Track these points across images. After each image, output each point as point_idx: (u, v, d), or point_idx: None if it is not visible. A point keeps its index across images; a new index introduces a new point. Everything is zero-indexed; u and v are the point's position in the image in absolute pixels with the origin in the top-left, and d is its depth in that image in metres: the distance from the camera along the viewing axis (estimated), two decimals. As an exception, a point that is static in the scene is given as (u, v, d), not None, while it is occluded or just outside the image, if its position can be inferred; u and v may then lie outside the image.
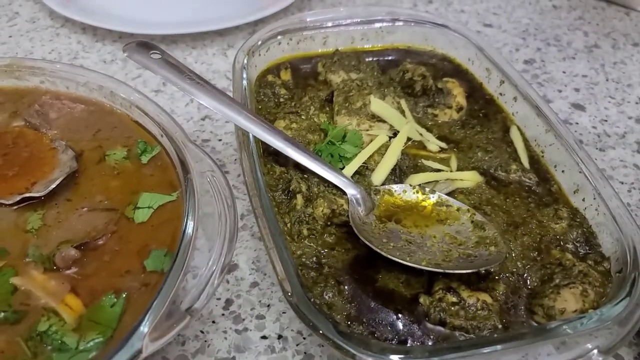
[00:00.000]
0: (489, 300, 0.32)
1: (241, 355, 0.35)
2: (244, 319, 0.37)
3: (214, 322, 0.37)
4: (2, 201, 0.36)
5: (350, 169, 0.38)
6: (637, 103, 0.56)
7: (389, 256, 0.33)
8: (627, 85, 0.59)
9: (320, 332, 0.28)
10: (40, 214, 0.36)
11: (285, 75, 0.47)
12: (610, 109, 0.56)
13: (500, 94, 0.46)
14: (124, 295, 0.32)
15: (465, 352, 0.28)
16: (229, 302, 0.38)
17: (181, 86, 0.39)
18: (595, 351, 0.28)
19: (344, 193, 0.36)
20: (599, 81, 0.59)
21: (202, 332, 0.37)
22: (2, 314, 0.31)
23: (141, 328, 0.28)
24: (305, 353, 0.35)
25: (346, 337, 0.27)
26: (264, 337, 0.36)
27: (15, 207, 0.36)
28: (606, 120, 0.54)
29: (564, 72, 0.60)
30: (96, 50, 0.58)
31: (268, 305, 0.38)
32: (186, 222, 0.34)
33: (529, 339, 0.28)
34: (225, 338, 0.36)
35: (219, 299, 0.38)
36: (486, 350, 0.28)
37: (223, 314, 0.37)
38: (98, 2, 0.64)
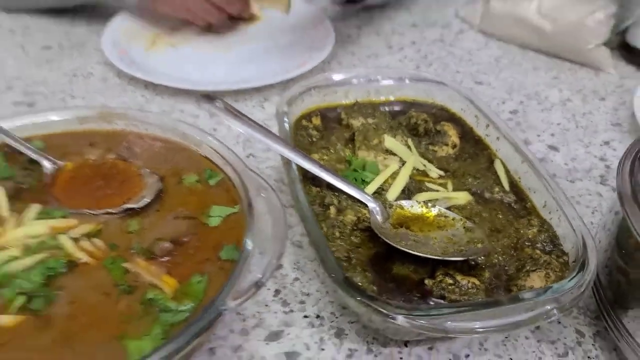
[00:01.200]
0: (477, 282, 0.43)
1: (289, 329, 0.46)
2: (289, 303, 0.48)
3: (266, 305, 0.48)
4: (110, 210, 0.48)
5: (370, 189, 0.50)
6: (601, 145, 0.68)
7: (402, 248, 0.44)
8: (594, 132, 0.71)
9: (361, 296, 0.38)
10: (138, 220, 0.47)
11: (316, 121, 0.59)
12: (579, 149, 0.67)
13: (486, 135, 0.58)
14: (206, 276, 0.43)
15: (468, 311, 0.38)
16: (277, 291, 0.49)
17: (243, 128, 0.51)
18: (555, 310, 0.39)
19: (366, 206, 0.48)
20: (571, 128, 0.71)
21: (258, 312, 0.47)
22: (121, 287, 0.42)
23: (222, 295, 0.39)
24: (337, 328, 0.46)
25: (377, 300, 0.38)
26: (305, 317, 0.47)
27: (118, 216, 0.48)
28: (575, 159, 0.66)
29: (542, 121, 0.72)
30: (156, 103, 0.71)
31: (307, 294, 0.49)
32: (247, 227, 0.45)
33: (507, 304, 0.39)
34: (276, 317, 0.47)
35: (269, 289, 0.49)
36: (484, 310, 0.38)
37: (273, 300, 0.48)
38: (157, 64, 0.78)
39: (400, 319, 0.37)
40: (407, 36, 0.89)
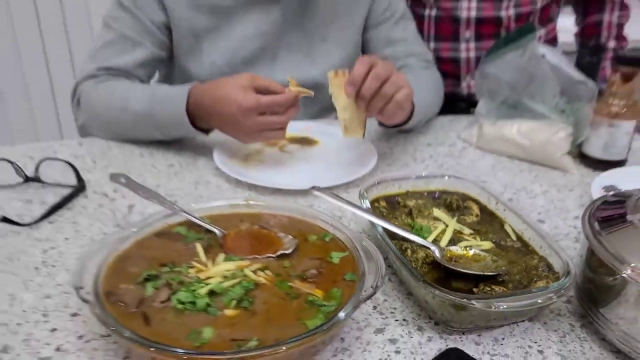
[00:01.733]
0: (505, 289, 0.68)
1: (387, 327, 0.68)
2: (384, 313, 0.71)
3: (369, 314, 0.71)
4: (270, 255, 0.73)
5: (430, 239, 0.77)
6: (573, 219, 0.96)
7: (458, 269, 0.70)
8: (567, 211, 0.99)
9: (444, 291, 0.63)
10: (288, 261, 0.72)
11: (382, 203, 0.87)
12: (559, 222, 0.95)
13: (496, 209, 0.85)
14: (340, 289, 0.67)
15: (506, 297, 0.64)
16: (374, 307, 0.72)
17: (345, 207, 0.79)
18: (554, 297, 0.64)
19: (429, 248, 0.75)
20: (551, 209, 1.00)
21: (365, 318, 0.70)
22: (290, 295, 0.66)
23: (357, 292, 0.64)
24: (418, 325, 0.70)
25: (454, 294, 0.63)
26: (396, 320, 0.70)
27: (274, 259, 0.73)
28: (557, 227, 0.94)
29: (530, 205, 1.01)
30: (262, 199, 1.00)
31: (395, 308, 0.72)
32: (359, 262, 0.71)
33: (527, 293, 0.65)
34: (377, 320, 0.69)
35: (368, 306, 0.73)
36: (516, 296, 0.64)
37: (373, 312, 0.71)
38: (254, 173, 1.07)
39: (475, 302, 0.62)
40: (426, 152, 1.20)
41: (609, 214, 0.72)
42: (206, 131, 1.12)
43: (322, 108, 1.33)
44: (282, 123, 1.04)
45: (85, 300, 0.61)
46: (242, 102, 1.00)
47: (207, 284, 0.66)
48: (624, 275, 0.64)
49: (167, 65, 1.31)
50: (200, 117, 1.08)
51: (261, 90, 1.02)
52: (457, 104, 1.55)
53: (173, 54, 1.28)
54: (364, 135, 1.04)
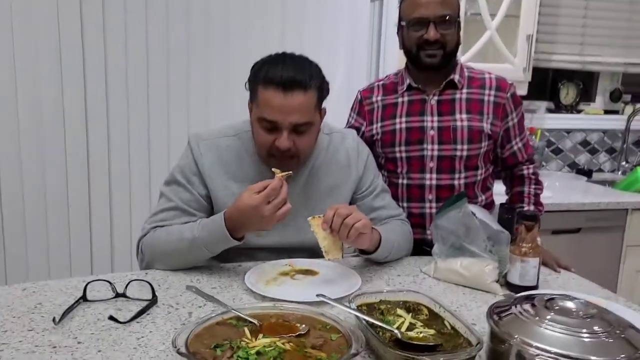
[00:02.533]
0: (441, 355, 1.06)
1: None
2: (366, 374, 1.07)
3: (356, 374, 1.07)
4: (292, 335, 1.10)
5: (394, 327, 1.15)
6: (496, 323, 1.35)
7: (412, 342, 1.07)
8: (493, 318, 1.38)
9: (412, 353, 1.01)
10: (304, 338, 1.08)
11: (364, 307, 1.26)
12: (486, 325, 1.34)
13: (440, 312, 1.24)
14: (337, 353, 1.03)
15: (442, 354, 1.01)
16: (359, 370, 1.08)
17: (339, 309, 1.18)
18: (468, 356, 1.02)
19: (393, 332, 1.13)
20: (482, 317, 1.38)
21: (354, 376, 1.06)
22: (306, 356, 1.02)
23: (349, 351, 1.01)
24: (387, 380, 1.05)
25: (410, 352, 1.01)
26: (373, 377, 1.06)
27: (294, 336, 1.10)
28: (484, 328, 1.31)
29: (467, 315, 1.39)
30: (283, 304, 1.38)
31: (372, 371, 1.08)
32: (349, 339, 1.08)
33: (456, 352, 1.02)
34: None
35: (356, 370, 1.09)
36: (449, 354, 1.01)
37: None
38: (273, 291, 1.46)
39: (423, 357, 1.00)
40: (396, 280, 1.60)
41: (502, 309, 1.12)
42: (240, 239, 1.51)
43: (320, 255, 1.75)
44: (283, 200, 1.43)
45: (182, 354, 0.98)
46: (251, 203, 1.41)
47: (254, 349, 1.03)
48: (511, 343, 1.02)
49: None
50: (235, 229, 1.48)
51: (260, 191, 1.43)
52: (424, 247, 1.98)
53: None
54: (342, 256, 1.46)
